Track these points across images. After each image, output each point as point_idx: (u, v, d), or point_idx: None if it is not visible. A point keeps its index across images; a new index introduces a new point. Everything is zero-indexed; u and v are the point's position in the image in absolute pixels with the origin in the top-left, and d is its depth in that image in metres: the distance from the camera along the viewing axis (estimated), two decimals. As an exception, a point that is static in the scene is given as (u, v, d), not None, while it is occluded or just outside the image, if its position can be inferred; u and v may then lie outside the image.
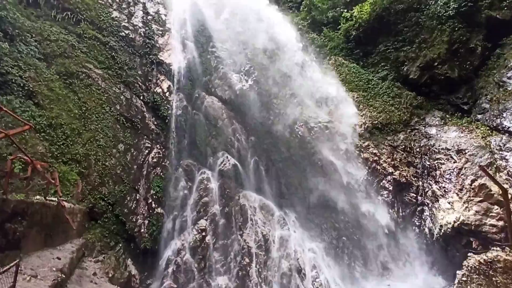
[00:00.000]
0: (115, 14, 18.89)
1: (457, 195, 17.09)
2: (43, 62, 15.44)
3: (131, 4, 19.83)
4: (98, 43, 17.54)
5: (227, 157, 18.16)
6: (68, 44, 16.45)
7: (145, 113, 17.68)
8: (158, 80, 18.82)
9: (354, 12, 24.79)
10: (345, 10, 26.07)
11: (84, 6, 17.88)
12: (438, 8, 20.88)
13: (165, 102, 18.30)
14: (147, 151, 17.05)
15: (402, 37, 22.51)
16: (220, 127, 18.92)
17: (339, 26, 25.99)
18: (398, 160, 19.46)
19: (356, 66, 23.33)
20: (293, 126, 20.09)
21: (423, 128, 20.01)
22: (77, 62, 16.38)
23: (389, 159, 19.47)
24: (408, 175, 19.02)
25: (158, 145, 17.46)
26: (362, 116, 20.97)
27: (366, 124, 20.65)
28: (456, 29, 19.99)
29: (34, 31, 15.78)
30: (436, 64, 20.55)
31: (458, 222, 16.34)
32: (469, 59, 19.71)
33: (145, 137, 17.23)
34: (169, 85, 18.72)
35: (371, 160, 19.62)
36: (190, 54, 19.89)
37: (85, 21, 17.61)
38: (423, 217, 18.21)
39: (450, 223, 16.72)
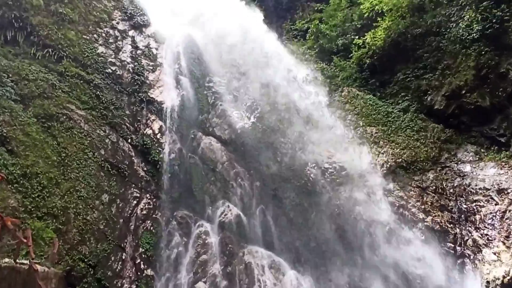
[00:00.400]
0: (101, 49, 20.02)
1: (504, 243, 16.93)
2: (19, 104, 16.21)
3: (119, 38, 21.08)
4: (81, 81, 18.39)
5: (228, 206, 18.25)
6: (48, 84, 17.30)
7: (133, 158, 18.08)
8: (148, 120, 19.38)
9: (366, 39, 25.91)
10: (357, 37, 27.24)
11: (67, 42, 19.04)
12: (461, 31, 21.78)
13: (156, 145, 18.70)
14: (135, 202, 17.29)
15: (423, 63, 23.30)
16: (219, 171, 19.15)
17: (351, 55, 27.01)
18: (429, 203, 19.50)
19: (373, 98, 23.91)
20: (304, 168, 20.35)
21: (455, 165, 20.17)
22: (58, 103, 17.11)
23: (418, 203, 19.51)
24: (443, 221, 18.97)
25: (148, 195, 17.71)
26: (383, 154, 21.23)
27: (389, 163, 20.86)
28: (483, 53, 20.75)
29: (11, 71, 16.76)
30: (463, 92, 21.01)
31: (509, 277, 16.07)
32: (501, 85, 20.25)
33: (133, 185, 17.52)
34: (161, 126, 19.26)
35: (397, 204, 19.66)
36: (185, 90, 20.64)
37: (67, 58, 18.63)
38: (465, 271, 17.90)
39: (498, 279, 16.43)
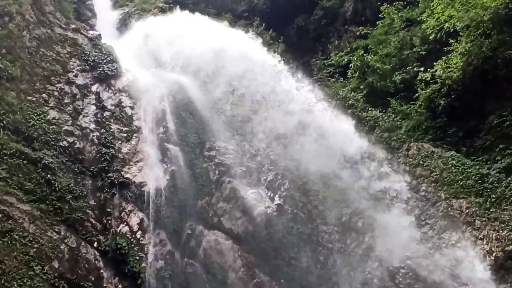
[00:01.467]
0: (53, 114, 20.38)
1: None
2: None
3: (78, 96, 21.55)
4: (25, 161, 18.45)
5: None
6: (-24, 169, 17.40)
7: (101, 271, 17.73)
8: (123, 213, 19.26)
9: (436, 71, 25.83)
10: (421, 69, 27.24)
11: (5, 108, 19.38)
12: None
13: (135, 249, 18.47)
14: None
15: (527, 99, 23.00)
16: (232, 283, 18.80)
17: (416, 95, 26.89)
18: None
19: (456, 155, 23.32)
20: (364, 271, 19.92)
21: None
22: (-10, 196, 17.02)
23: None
24: None
25: (125, 327, 17.08)
26: (483, 239, 20.34)
27: (494, 254, 19.91)
28: None
29: None
30: None
31: None
32: None
33: (103, 314, 17.00)
34: (141, 219, 19.10)
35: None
36: (175, 164, 20.73)
37: (5, 130, 18.86)
38: None
39: None
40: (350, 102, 27.72)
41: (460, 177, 22.35)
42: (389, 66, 29.38)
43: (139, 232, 18.89)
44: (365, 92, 29.25)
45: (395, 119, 26.59)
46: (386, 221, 21.39)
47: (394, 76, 28.84)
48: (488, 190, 21.65)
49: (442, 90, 25.56)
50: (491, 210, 21.04)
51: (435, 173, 22.89)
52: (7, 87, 19.94)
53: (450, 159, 23.16)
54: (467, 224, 20.97)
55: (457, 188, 22.07)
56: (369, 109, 27.42)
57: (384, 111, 27.36)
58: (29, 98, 20.30)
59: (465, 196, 21.77)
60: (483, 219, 20.90)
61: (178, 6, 31.76)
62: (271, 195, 21.21)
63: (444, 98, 25.41)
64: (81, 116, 20.94)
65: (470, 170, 22.49)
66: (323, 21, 40.30)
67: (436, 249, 20.53)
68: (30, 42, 21.69)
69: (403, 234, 20.96)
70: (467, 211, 21.32)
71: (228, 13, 36.78)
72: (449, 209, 21.55)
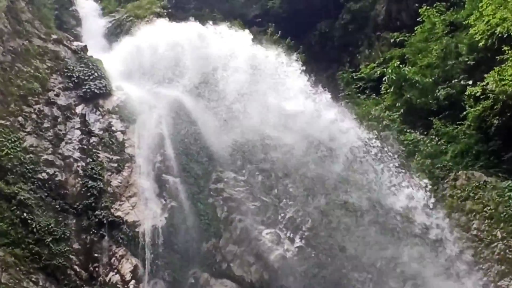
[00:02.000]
0: (30, 141, 20.50)
1: None
2: None
3: (60, 119, 21.71)
4: (-4, 198, 18.59)
5: None
6: None
7: (87, 331, 17.76)
8: (113, 258, 19.24)
9: (488, 84, 25.65)
10: (470, 82, 27.15)
11: (-27, 134, 19.62)
12: None
13: None
14: None
15: None
16: None
17: (464, 113, 26.77)
18: None
19: (514, 186, 23.17)
20: None
21: None
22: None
23: None
24: None
25: None
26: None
27: None
28: None
29: None
30: None
31: None
32: None
33: None
34: (135, 266, 19.10)
35: None
36: (175, 199, 20.79)
37: (-27, 161, 19.03)
38: None
39: None
40: (384, 122, 27.80)
41: (520, 212, 22.22)
42: (430, 80, 29.21)
43: (133, 281, 18.87)
44: (402, 110, 29.13)
45: (439, 142, 26.39)
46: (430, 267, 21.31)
47: (437, 91, 28.61)
48: (558, 229, 21.51)
49: (495, 107, 25.28)
50: None
51: (489, 208, 22.65)
52: (-24, 110, 20.18)
53: (507, 190, 22.85)
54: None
55: (518, 226, 21.94)
56: (408, 130, 27.43)
57: (425, 133, 27.24)
58: (2, 122, 20.31)
59: (527, 235, 21.65)
60: (549, 263, 20.74)
61: (178, 11, 32.01)
62: (291, 236, 21.19)
63: (498, 117, 25.12)
64: (63, 143, 21.06)
65: (531, 204, 22.37)
66: (350, 26, 40.16)
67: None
68: (3, 55, 21.76)
69: (449, 283, 20.96)
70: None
71: (238, 18, 36.73)
72: (507, 251, 21.26)
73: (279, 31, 36.25)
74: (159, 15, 33.50)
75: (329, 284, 20.54)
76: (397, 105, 29.61)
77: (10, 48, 22.15)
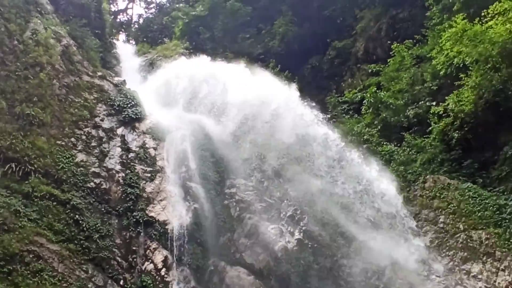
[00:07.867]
0: (81, 157, 20.56)
1: None
2: (-33, 244, 16.14)
3: (104, 139, 21.71)
4: (54, 203, 18.64)
5: None
6: (9, 211, 17.40)
7: (128, 309, 17.54)
8: (148, 251, 19.17)
9: (448, 105, 25.55)
10: (434, 103, 26.98)
11: (36, 152, 19.58)
12: None
13: (160, 286, 18.37)
14: None
15: (539, 129, 22.58)
16: None
17: (430, 128, 26.61)
18: None
19: (473, 187, 22.82)
20: None
21: None
22: (22, 237, 17.05)
23: None
24: None
25: None
26: (504, 270, 19.63)
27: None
28: None
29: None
30: None
31: None
32: None
33: None
34: (166, 257, 18.96)
35: None
36: (197, 202, 20.70)
37: (36, 174, 19.07)
38: None
39: None
40: (365, 137, 27.68)
41: (478, 208, 21.87)
42: (401, 102, 29.21)
43: (164, 269, 18.75)
44: (379, 127, 29.09)
45: (410, 152, 26.29)
46: (405, 254, 21.04)
47: (407, 111, 28.66)
48: (507, 221, 21.09)
49: (455, 123, 25.19)
50: (510, 240, 20.44)
51: (452, 205, 22.48)
52: (38, 133, 20.21)
53: (467, 190, 22.73)
54: (488, 255, 20.38)
55: (475, 219, 21.59)
56: (384, 143, 27.34)
57: (398, 145, 27.19)
58: (59, 142, 20.55)
59: (484, 227, 21.26)
60: (503, 249, 20.29)
61: (197, 51, 32.16)
62: (291, 230, 20.90)
63: (457, 131, 25.00)
64: (107, 158, 21.12)
65: (487, 201, 22.01)
66: (336, 60, 40.39)
67: (458, 281, 20.00)
68: (59, 89, 22.01)
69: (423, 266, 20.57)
70: (486, 242, 20.74)
71: (245, 56, 36.92)
72: (469, 240, 21.10)
73: (279, 66, 36.16)
74: (182, 55, 33.72)
75: (323, 269, 20.28)
76: (375, 122, 29.63)
77: (64, 83, 22.42)
